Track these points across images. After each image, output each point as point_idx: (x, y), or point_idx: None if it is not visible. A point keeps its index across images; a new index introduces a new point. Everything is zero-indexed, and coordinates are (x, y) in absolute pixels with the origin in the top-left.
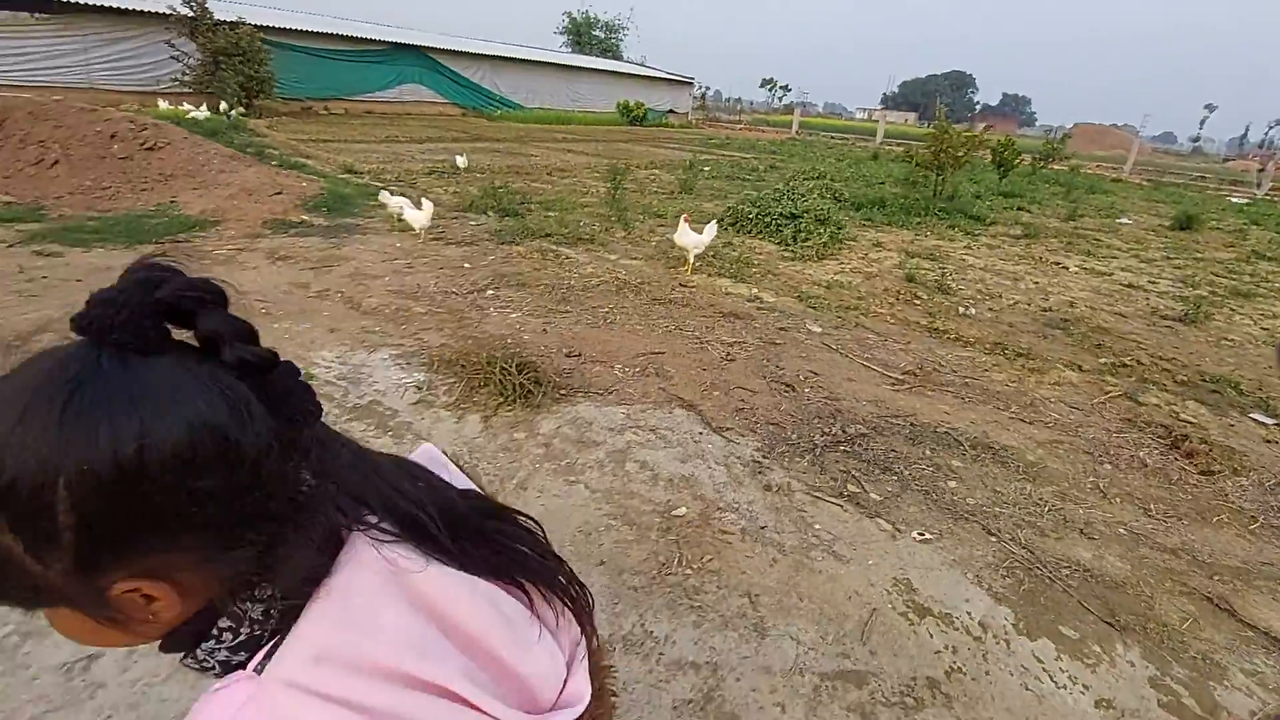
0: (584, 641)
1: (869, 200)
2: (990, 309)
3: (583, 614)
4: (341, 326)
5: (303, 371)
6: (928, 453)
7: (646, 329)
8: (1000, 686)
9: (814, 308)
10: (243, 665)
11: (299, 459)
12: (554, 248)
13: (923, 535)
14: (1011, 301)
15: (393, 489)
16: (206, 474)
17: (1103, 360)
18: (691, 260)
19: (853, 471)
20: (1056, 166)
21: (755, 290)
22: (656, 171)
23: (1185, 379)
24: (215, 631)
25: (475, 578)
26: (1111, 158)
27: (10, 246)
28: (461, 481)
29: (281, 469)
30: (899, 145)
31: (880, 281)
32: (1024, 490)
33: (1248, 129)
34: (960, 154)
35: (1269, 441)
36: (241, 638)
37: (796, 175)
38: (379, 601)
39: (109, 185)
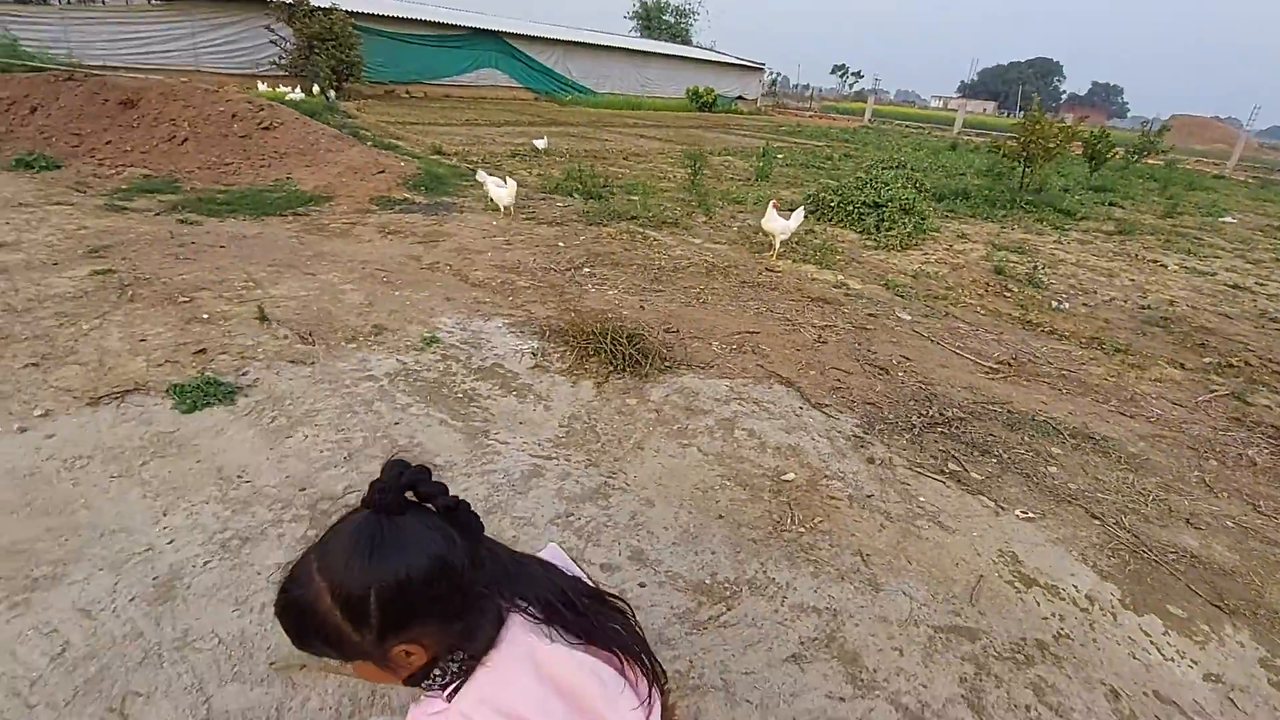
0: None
1: (951, 191)
2: (1084, 304)
3: (655, 675)
4: (455, 296)
5: (430, 333)
6: (1026, 439)
7: (738, 310)
8: (1108, 653)
9: (901, 296)
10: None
11: (479, 565)
12: (640, 230)
13: (1026, 514)
14: (1107, 298)
15: (535, 582)
16: (439, 584)
17: (1207, 360)
18: (778, 246)
19: (952, 452)
20: (1152, 161)
21: (841, 277)
22: (730, 158)
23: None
24: (431, 675)
25: (583, 654)
26: (1213, 153)
27: (157, 215)
28: (573, 571)
29: (474, 575)
30: (979, 135)
31: (968, 273)
32: (1126, 479)
33: None
34: (1051, 145)
35: None
36: (444, 680)
37: (875, 164)
38: (518, 672)
39: (231, 161)
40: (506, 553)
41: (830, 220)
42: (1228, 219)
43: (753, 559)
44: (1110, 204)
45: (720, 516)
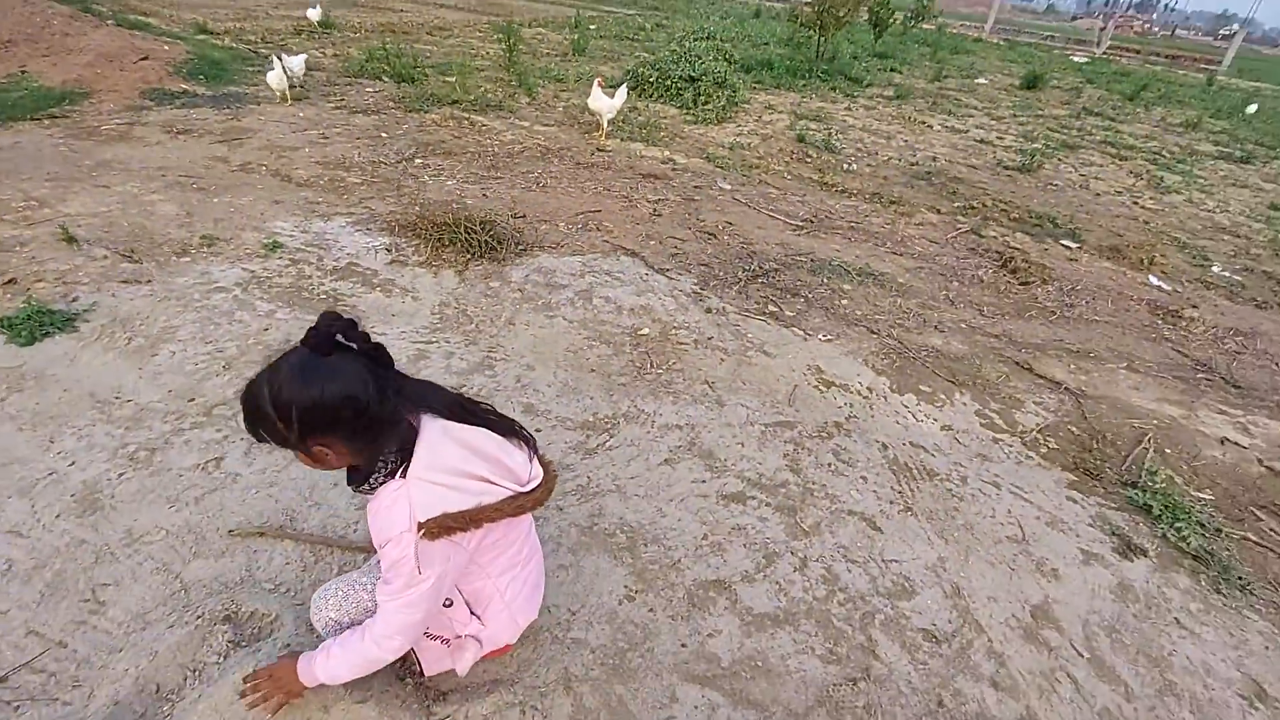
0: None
1: (757, 62)
2: (868, 165)
3: (530, 442)
4: (283, 199)
5: (270, 239)
6: (824, 280)
7: (578, 191)
8: (881, 423)
9: (721, 167)
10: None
11: (391, 391)
12: (465, 115)
13: (826, 337)
14: (885, 158)
15: (436, 394)
16: (345, 410)
17: (956, 204)
18: (605, 125)
19: (770, 297)
20: (926, 26)
21: (668, 153)
22: (542, 30)
23: (1017, 216)
24: (372, 475)
25: (483, 429)
26: (974, 16)
27: None
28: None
29: (383, 402)
30: (780, 2)
31: (775, 143)
32: (895, 303)
33: None
34: (842, 14)
35: (1071, 260)
36: (387, 470)
37: (686, 35)
38: (441, 442)
39: None
40: (413, 380)
41: (650, 96)
42: (981, 80)
43: (624, 398)
44: (891, 70)
45: (592, 370)
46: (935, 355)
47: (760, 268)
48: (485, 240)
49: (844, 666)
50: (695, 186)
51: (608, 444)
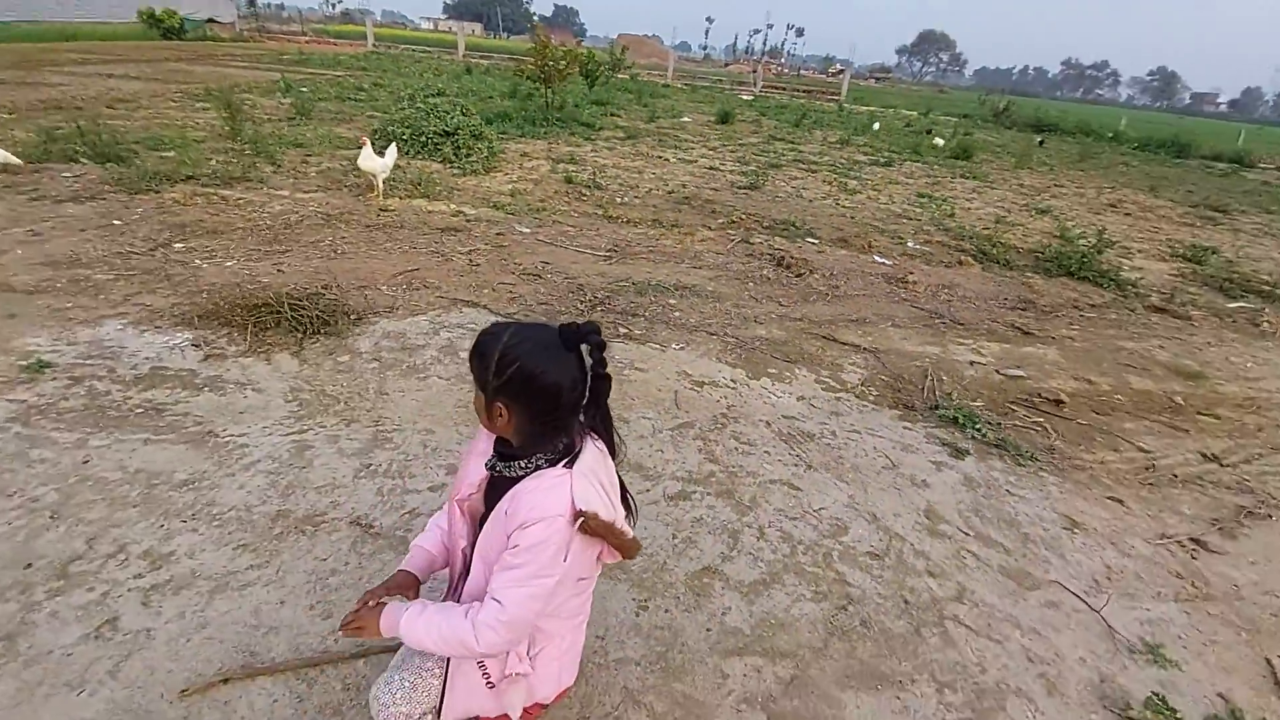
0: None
1: (495, 114)
2: (636, 197)
3: (633, 505)
4: (17, 311)
5: (29, 360)
6: (652, 299)
7: (382, 253)
8: (754, 405)
9: (511, 213)
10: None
11: (588, 412)
12: (212, 190)
13: (679, 346)
14: (646, 189)
15: (609, 432)
16: (544, 396)
17: (720, 220)
18: (381, 185)
19: (616, 321)
20: (621, 75)
21: (453, 205)
22: (249, 95)
23: (769, 225)
24: (531, 457)
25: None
26: (653, 65)
27: None
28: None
29: (575, 411)
30: (483, 58)
31: (548, 186)
32: (716, 307)
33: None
34: (562, 67)
35: (819, 252)
36: (547, 459)
37: (417, 92)
38: (603, 460)
39: None
40: (606, 410)
41: (408, 153)
42: (685, 119)
43: None
44: (611, 114)
45: None
46: (766, 343)
47: (594, 297)
48: (315, 314)
49: (831, 600)
50: (497, 234)
51: None
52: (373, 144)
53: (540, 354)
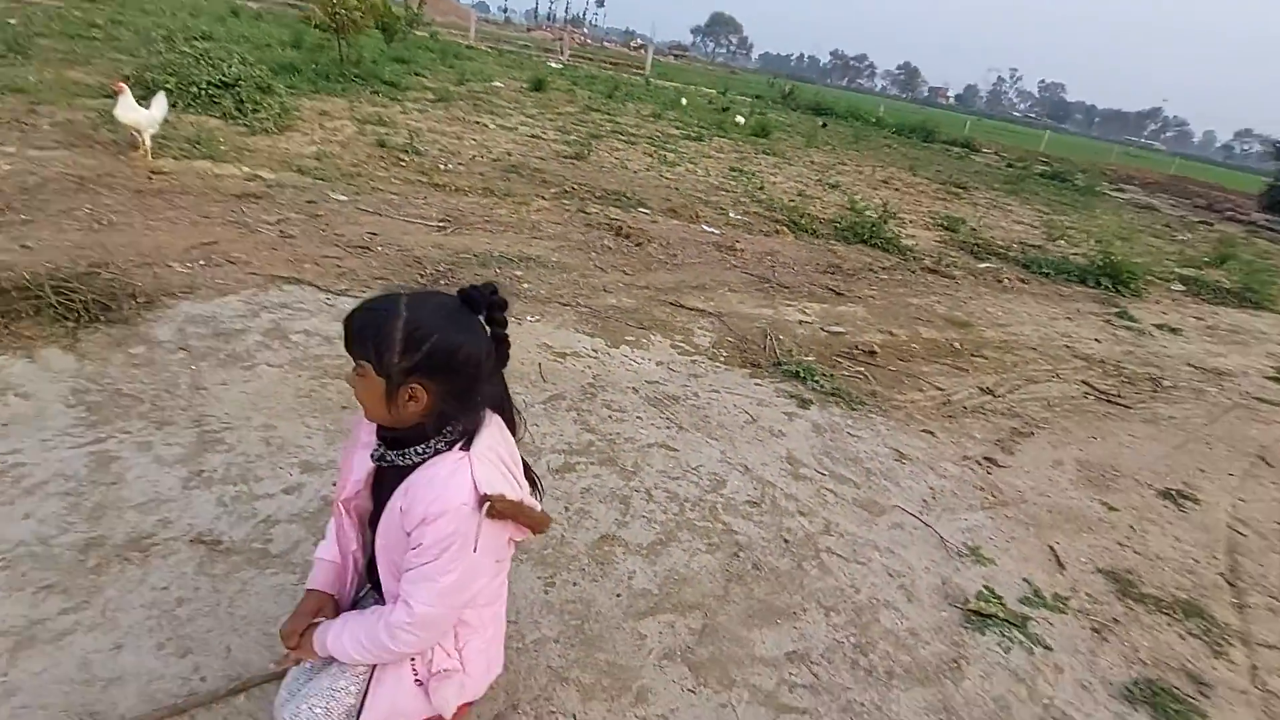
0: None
1: (280, 66)
2: (460, 164)
3: (538, 483)
4: None
5: None
6: (498, 270)
7: (166, 224)
8: (618, 373)
9: (322, 178)
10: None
11: (488, 381)
12: None
13: (534, 319)
14: (470, 156)
15: (506, 404)
16: (466, 369)
17: (553, 190)
18: (148, 142)
19: None
20: (419, 32)
21: (246, 168)
22: None
23: (601, 195)
24: (427, 442)
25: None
26: (452, 24)
27: None
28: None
29: (482, 386)
30: (256, 2)
31: (358, 149)
32: (565, 278)
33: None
34: (357, 17)
35: (653, 223)
36: (447, 440)
37: (176, 34)
38: (502, 436)
39: None
40: (501, 378)
41: (176, 107)
42: (497, 84)
43: None
44: (415, 74)
45: (345, 407)
46: (619, 312)
47: (435, 271)
48: (91, 299)
49: (724, 550)
50: (308, 202)
51: None
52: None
53: (451, 323)
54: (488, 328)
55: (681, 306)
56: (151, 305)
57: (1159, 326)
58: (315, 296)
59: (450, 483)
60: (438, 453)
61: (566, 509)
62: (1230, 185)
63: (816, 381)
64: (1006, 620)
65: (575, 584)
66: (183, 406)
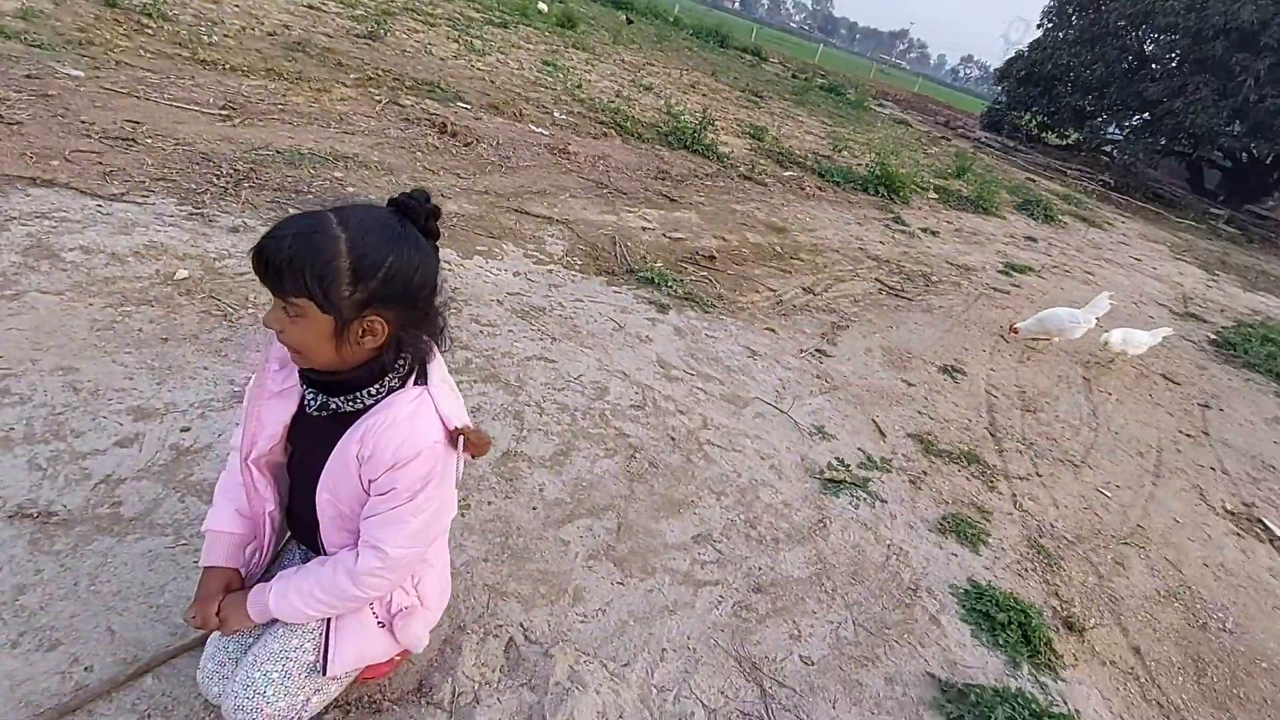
0: None
1: None
2: (227, 35)
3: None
4: None
5: None
6: (312, 171)
7: None
8: (476, 285)
9: (37, 45)
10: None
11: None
12: None
13: None
14: (238, 27)
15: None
16: (423, 291)
17: (354, 76)
18: None
19: (277, 200)
20: None
21: None
22: None
23: (411, 85)
24: (380, 381)
25: None
26: None
27: None
28: None
29: (433, 301)
30: None
31: (79, 7)
32: (392, 181)
33: None
34: None
35: (477, 119)
36: (399, 375)
37: None
38: (440, 358)
39: None
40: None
41: None
42: None
43: (241, 351)
44: None
45: (165, 339)
46: (463, 219)
47: (235, 171)
48: None
49: (620, 453)
50: (27, 77)
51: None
52: None
53: (399, 241)
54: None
55: (526, 213)
56: None
57: (923, 230)
58: (81, 203)
59: (416, 423)
60: (391, 391)
61: None
62: (958, 105)
63: (669, 287)
64: (852, 484)
65: (490, 503)
66: None
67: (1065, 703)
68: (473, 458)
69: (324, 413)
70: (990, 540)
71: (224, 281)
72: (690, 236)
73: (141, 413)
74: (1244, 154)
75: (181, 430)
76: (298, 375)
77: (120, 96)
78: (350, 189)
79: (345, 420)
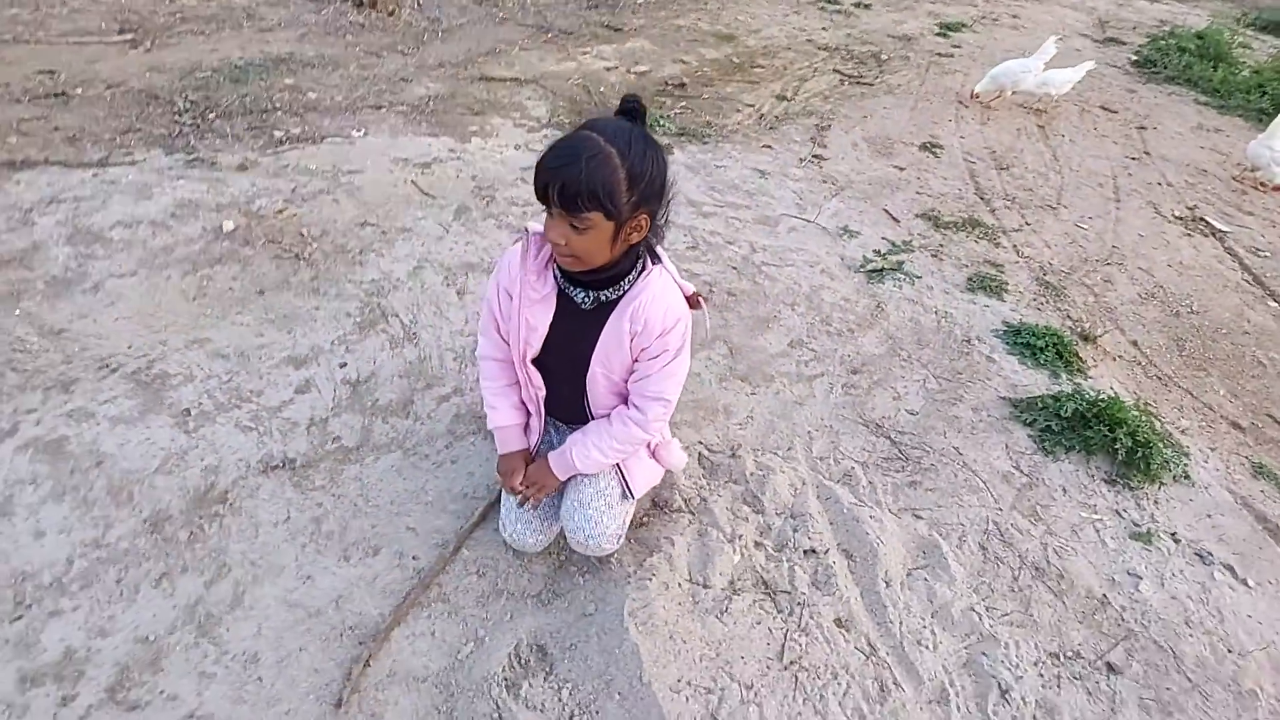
0: None
1: None
2: None
3: None
4: None
5: None
6: (262, 86)
7: None
8: (490, 169)
9: None
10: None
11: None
12: None
13: (357, 133)
14: None
15: None
16: (669, 185)
17: None
18: None
19: (255, 127)
20: None
21: None
22: None
23: None
24: (634, 270)
25: None
26: None
27: None
28: None
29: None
30: None
31: None
32: (344, 75)
33: None
34: None
35: None
36: (640, 260)
37: None
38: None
39: None
40: None
41: None
42: None
43: (325, 296)
44: None
45: (261, 292)
46: (441, 101)
47: (186, 103)
48: None
49: (701, 291)
50: None
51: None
52: None
53: (650, 146)
54: None
55: (492, 79)
56: None
57: (856, 5)
58: (78, 177)
59: (670, 296)
60: (641, 273)
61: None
62: None
63: (663, 126)
64: (890, 269)
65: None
66: (63, 360)
67: (1097, 392)
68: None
69: (595, 304)
70: (1009, 287)
71: (270, 222)
72: (652, 67)
73: (296, 361)
74: None
75: (339, 366)
76: (553, 279)
77: (6, 45)
78: (311, 94)
79: (607, 307)
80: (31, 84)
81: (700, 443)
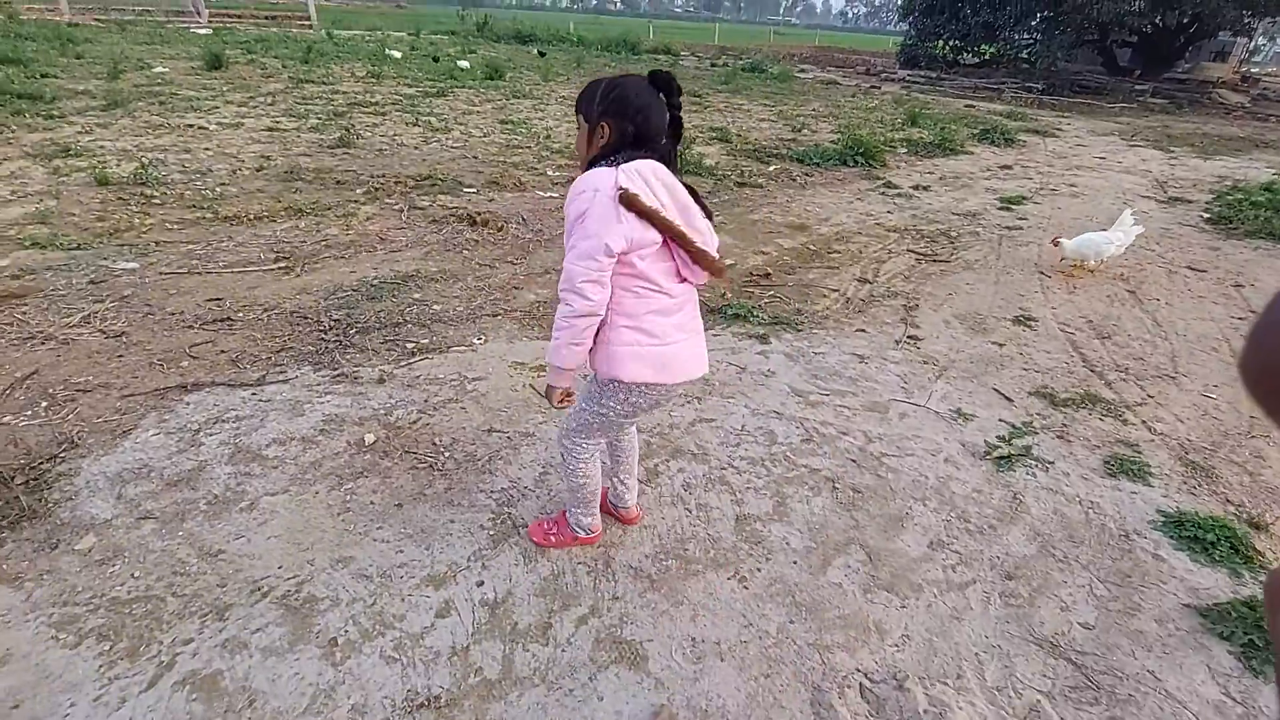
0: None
1: None
2: (222, 183)
3: (711, 216)
4: None
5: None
6: (394, 302)
7: None
8: None
9: (77, 248)
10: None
11: (660, 141)
12: None
13: (479, 340)
14: (229, 171)
15: (670, 157)
16: (638, 114)
17: (360, 191)
18: None
19: (388, 341)
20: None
21: None
22: None
23: (414, 184)
24: (603, 165)
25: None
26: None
27: None
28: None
29: (652, 139)
30: None
31: (80, 196)
32: (464, 286)
33: None
34: None
35: (490, 201)
36: (608, 162)
37: None
38: (648, 166)
39: None
40: (675, 146)
41: None
42: (160, 69)
43: (459, 507)
44: (38, 75)
45: (399, 505)
46: (546, 304)
47: (332, 321)
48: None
49: (823, 488)
50: (93, 283)
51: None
52: None
53: (634, 86)
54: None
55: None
56: (41, 484)
57: (914, 188)
58: (239, 397)
59: (591, 177)
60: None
61: (687, 509)
62: (863, 48)
63: (756, 316)
64: (1017, 455)
65: (759, 569)
66: (218, 583)
67: None
68: (712, 275)
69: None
70: (1153, 470)
71: (406, 433)
72: (737, 259)
73: (436, 580)
74: (1148, 26)
75: (478, 585)
76: None
77: (183, 277)
78: (436, 306)
79: None
80: (201, 310)
81: (859, 670)
